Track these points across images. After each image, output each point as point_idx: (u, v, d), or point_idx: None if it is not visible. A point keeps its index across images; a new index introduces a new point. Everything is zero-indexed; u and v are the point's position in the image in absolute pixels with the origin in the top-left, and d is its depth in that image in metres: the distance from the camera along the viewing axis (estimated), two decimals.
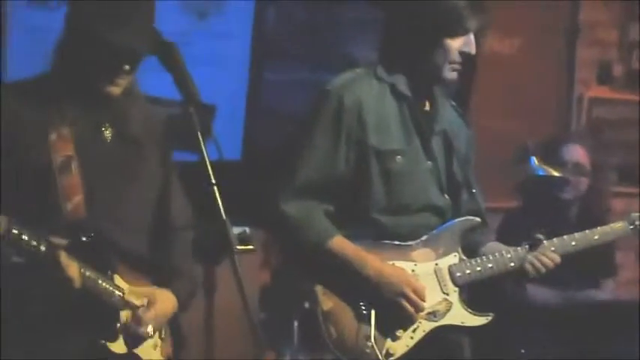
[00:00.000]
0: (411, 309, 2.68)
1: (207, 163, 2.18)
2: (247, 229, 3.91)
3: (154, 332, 2.38)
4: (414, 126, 2.75)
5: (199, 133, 2.19)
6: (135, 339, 2.34)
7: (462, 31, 2.70)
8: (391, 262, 2.72)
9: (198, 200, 2.38)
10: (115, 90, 2.32)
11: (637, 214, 3.02)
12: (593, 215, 3.89)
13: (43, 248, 2.15)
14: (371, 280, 2.68)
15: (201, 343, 2.39)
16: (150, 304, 2.36)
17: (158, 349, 2.42)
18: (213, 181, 2.16)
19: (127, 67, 2.28)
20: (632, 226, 2.99)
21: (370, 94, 2.71)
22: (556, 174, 3.37)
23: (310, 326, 2.80)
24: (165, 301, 2.41)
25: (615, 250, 4.29)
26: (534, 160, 3.20)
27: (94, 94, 2.31)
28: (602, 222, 3.10)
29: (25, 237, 2.12)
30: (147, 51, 2.30)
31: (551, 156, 3.92)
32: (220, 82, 4.07)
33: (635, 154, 4.93)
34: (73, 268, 2.20)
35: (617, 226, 2.99)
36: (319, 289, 2.68)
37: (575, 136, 4.47)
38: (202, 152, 2.19)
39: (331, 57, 4.29)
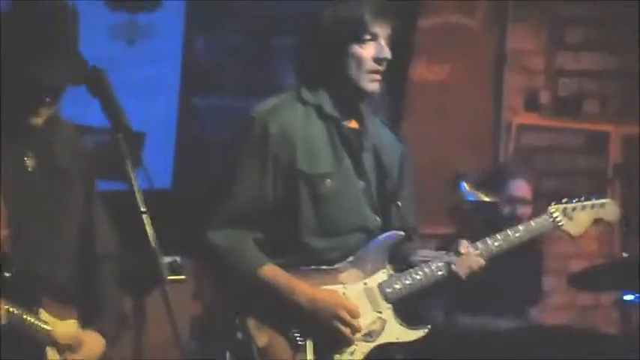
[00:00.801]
0: (347, 331, 2.66)
1: (137, 191, 2.15)
2: (178, 259, 3.87)
3: None
4: (343, 146, 2.75)
5: (128, 162, 2.17)
6: None
7: (370, 37, 2.70)
8: (321, 287, 2.70)
9: (127, 229, 2.33)
10: (38, 120, 2.28)
11: (557, 206, 3.00)
12: None
13: None
14: (304, 307, 2.66)
15: None
16: (77, 349, 2.32)
17: None
18: (143, 210, 2.14)
19: (47, 99, 2.26)
20: (551, 220, 3.00)
21: (296, 119, 2.71)
22: (486, 199, 3.40)
23: (243, 356, 2.77)
24: (92, 342, 2.38)
25: (542, 275, 4.36)
26: (465, 185, 3.23)
27: (14, 126, 2.27)
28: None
29: None
30: (68, 83, 2.27)
31: (496, 189, 4.00)
32: (150, 109, 4.04)
33: (564, 181, 5.02)
34: None
35: (539, 222, 2.98)
36: (252, 323, 2.66)
37: (518, 170, 4.53)
38: (131, 180, 2.16)
39: (261, 83, 4.29)
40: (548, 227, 2.99)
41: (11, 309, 2.18)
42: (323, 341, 2.67)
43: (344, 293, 2.72)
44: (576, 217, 3.02)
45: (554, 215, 2.99)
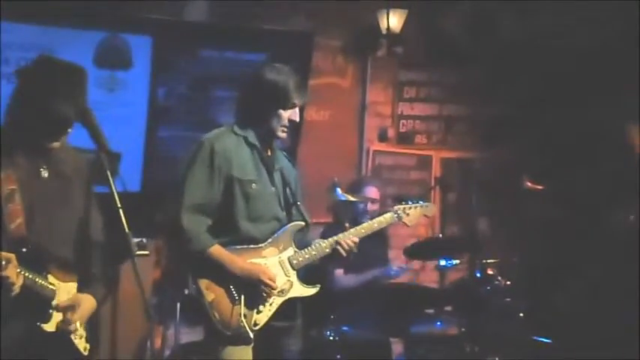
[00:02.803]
0: (267, 290, 2.66)
1: (115, 193, 2.10)
2: (144, 240, 3.76)
3: (80, 327, 2.25)
4: (262, 164, 2.74)
5: (108, 172, 2.11)
6: (65, 330, 2.21)
7: (291, 105, 2.71)
8: (249, 260, 2.68)
9: (108, 219, 2.26)
10: (58, 145, 2.22)
11: (399, 206, 3.07)
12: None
13: None
14: (239, 275, 2.63)
15: (110, 322, 2.27)
16: (77, 307, 2.22)
17: (82, 338, 2.28)
18: (119, 206, 2.08)
19: (69, 130, 2.20)
20: (396, 215, 3.05)
21: (231, 143, 2.69)
22: (352, 199, 3.42)
23: (188, 307, 2.71)
24: (88, 304, 2.28)
25: (388, 248, 4.41)
26: (339, 190, 3.24)
27: (39, 147, 2.20)
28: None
29: None
30: (79, 119, 2.20)
31: (357, 192, 4.02)
32: (125, 137, 3.92)
33: (402, 188, 5.09)
34: (12, 271, 2.03)
35: (388, 216, 3.04)
36: (203, 284, 2.60)
37: (371, 179, 4.58)
38: (111, 185, 2.11)
39: (204, 121, 4.21)
40: (393, 220, 3.05)
41: (26, 273, 2.09)
42: (251, 298, 2.64)
43: (265, 264, 2.70)
44: (411, 213, 3.09)
45: (398, 212, 3.05)
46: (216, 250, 2.63)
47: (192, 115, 4.29)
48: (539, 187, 4.02)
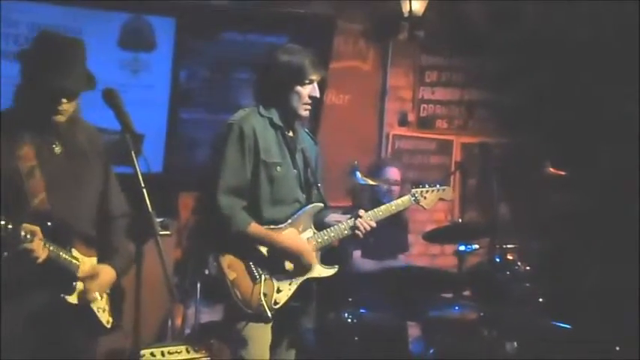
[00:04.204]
0: (308, 265, 2.69)
1: (139, 173, 2.11)
2: (166, 219, 3.80)
3: (100, 297, 2.30)
4: (286, 146, 2.76)
5: (133, 152, 2.13)
6: (86, 301, 2.26)
7: (308, 82, 2.71)
8: None
9: (133, 198, 2.28)
10: (61, 118, 2.22)
11: (417, 189, 3.08)
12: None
13: (10, 227, 2.03)
14: (278, 249, 2.66)
15: (133, 299, 2.31)
16: (96, 277, 2.27)
17: (105, 311, 2.34)
18: (143, 185, 2.10)
19: (64, 100, 2.20)
20: (413, 198, 3.06)
21: (258, 125, 2.70)
22: (372, 182, 3.43)
23: (209, 287, 2.74)
24: (107, 274, 2.32)
25: (408, 234, 4.42)
26: (358, 173, 3.24)
27: (45, 122, 2.22)
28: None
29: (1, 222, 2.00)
30: (79, 87, 2.21)
31: (377, 174, 4.02)
32: (148, 118, 3.93)
33: (423, 172, 5.07)
34: (40, 247, 2.08)
35: (405, 199, 3.06)
36: (225, 262, 2.63)
37: (391, 161, 4.57)
38: (135, 165, 2.12)
39: (225, 103, 4.22)
40: (411, 203, 3.06)
41: (50, 247, 2.13)
42: (275, 275, 2.67)
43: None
44: (428, 197, 3.10)
45: (415, 195, 3.05)
46: (254, 227, 2.66)
47: (214, 97, 4.31)
48: (562, 173, 3.99)
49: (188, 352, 3.46)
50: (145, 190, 2.10)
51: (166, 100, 4.20)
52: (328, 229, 2.80)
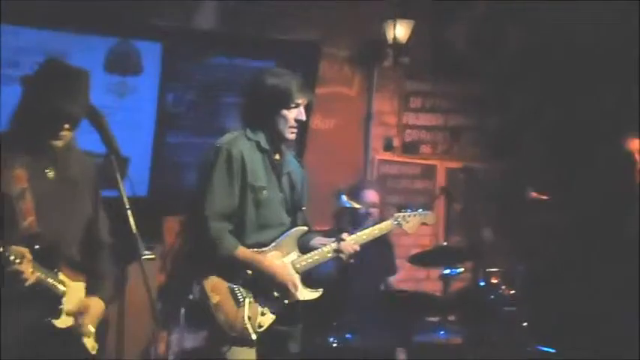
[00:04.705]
0: (289, 293, 2.69)
1: (124, 195, 2.12)
2: (150, 244, 3.77)
3: (91, 329, 2.29)
4: (272, 169, 2.75)
5: (118, 174, 2.14)
6: (78, 335, 2.25)
7: (294, 105, 2.72)
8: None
9: (118, 221, 2.28)
10: (59, 143, 2.23)
11: (399, 213, 3.12)
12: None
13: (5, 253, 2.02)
14: (265, 272, 2.65)
15: (116, 324, 2.28)
16: (87, 310, 2.26)
17: (91, 337, 2.32)
18: (128, 207, 2.09)
19: (67, 125, 2.20)
20: (395, 222, 3.09)
21: (246, 148, 2.71)
22: (357, 206, 3.44)
23: (192, 312, 2.71)
24: (97, 307, 2.31)
25: (394, 255, 4.41)
26: (344, 197, 3.26)
27: (41, 146, 2.21)
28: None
29: None
30: (81, 115, 2.22)
31: (356, 196, 4.01)
32: (134, 142, 3.94)
33: (407, 197, 5.09)
34: (27, 266, 2.07)
35: (388, 223, 3.10)
36: (208, 286, 2.61)
37: (370, 184, 4.58)
38: (120, 187, 2.12)
39: (212, 127, 4.24)
40: (393, 227, 3.09)
41: (38, 271, 2.12)
42: (257, 299, 2.66)
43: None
44: (410, 221, 3.12)
45: (398, 219, 3.07)
46: (242, 251, 2.65)
47: (201, 121, 4.31)
48: (544, 197, 4.02)
49: None
50: (129, 212, 2.10)
51: (152, 123, 4.20)
52: (312, 252, 2.80)
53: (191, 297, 2.67)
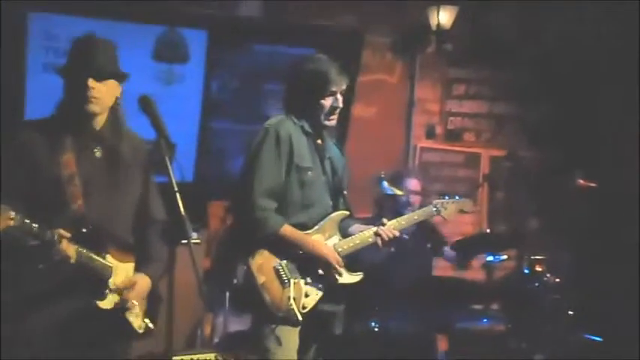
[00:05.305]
0: (338, 270, 2.71)
1: (172, 177, 2.14)
2: (197, 227, 3.84)
3: (137, 305, 2.33)
4: (316, 153, 2.77)
5: (167, 158, 2.15)
6: (124, 309, 2.30)
7: (329, 93, 2.74)
8: None
9: (166, 205, 2.32)
10: (93, 107, 2.24)
11: (438, 200, 3.12)
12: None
13: (48, 235, 2.07)
14: (310, 252, 2.68)
15: (165, 304, 2.33)
16: (133, 286, 2.30)
17: (139, 317, 2.37)
18: (176, 189, 2.12)
19: (91, 80, 2.22)
20: (435, 208, 3.09)
21: (291, 130, 2.74)
22: (399, 193, 3.43)
23: (237, 296, 2.75)
24: (144, 283, 2.35)
25: (444, 237, 4.36)
26: (385, 183, 3.25)
27: (85, 125, 2.25)
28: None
29: (34, 226, 2.05)
30: (105, 69, 2.23)
31: (397, 183, 4.00)
32: (180, 129, 3.97)
33: (449, 184, 5.05)
34: (70, 249, 2.12)
35: (427, 209, 3.10)
36: (254, 266, 2.64)
37: (412, 172, 4.56)
38: (169, 170, 2.15)
39: (255, 114, 4.27)
40: (431, 213, 3.11)
41: (80, 249, 2.15)
42: (304, 278, 2.69)
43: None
44: (448, 208, 3.12)
45: (437, 206, 3.07)
46: (287, 229, 2.68)
47: (244, 108, 4.36)
48: (592, 185, 3.94)
49: None
50: (178, 195, 2.12)
51: (198, 110, 4.26)
52: (353, 237, 2.82)
53: (235, 281, 2.70)
